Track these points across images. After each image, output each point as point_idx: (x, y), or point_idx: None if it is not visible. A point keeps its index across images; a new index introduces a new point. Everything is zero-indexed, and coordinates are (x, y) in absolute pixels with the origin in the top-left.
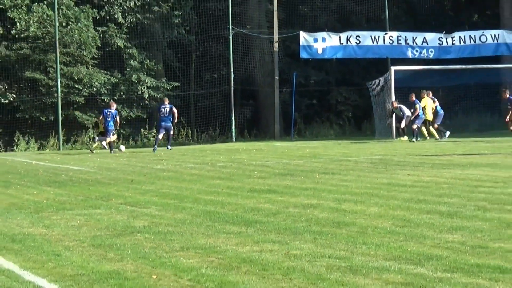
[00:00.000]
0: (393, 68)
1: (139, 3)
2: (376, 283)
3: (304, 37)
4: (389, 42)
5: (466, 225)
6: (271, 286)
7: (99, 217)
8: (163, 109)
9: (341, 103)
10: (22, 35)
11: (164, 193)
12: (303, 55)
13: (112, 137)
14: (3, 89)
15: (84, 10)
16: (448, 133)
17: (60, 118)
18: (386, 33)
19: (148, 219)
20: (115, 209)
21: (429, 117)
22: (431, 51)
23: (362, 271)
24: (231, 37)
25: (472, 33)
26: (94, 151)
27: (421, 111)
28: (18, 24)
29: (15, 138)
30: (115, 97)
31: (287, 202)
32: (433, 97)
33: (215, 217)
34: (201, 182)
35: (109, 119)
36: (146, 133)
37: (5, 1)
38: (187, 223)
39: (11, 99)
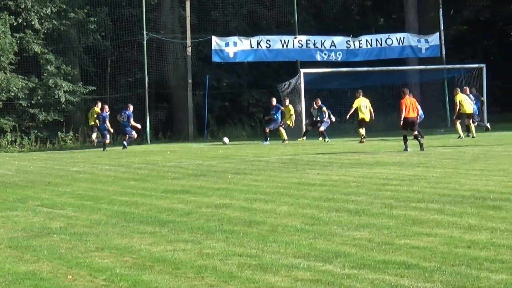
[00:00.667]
0: (302, 70)
1: (56, 10)
2: (286, 280)
3: (216, 41)
4: (298, 46)
5: (373, 223)
6: (184, 284)
7: (16, 219)
8: (124, 114)
9: (253, 105)
10: None
11: (80, 194)
12: (215, 59)
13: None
14: None
15: (1, 17)
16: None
17: None
18: (295, 37)
19: (64, 220)
20: (32, 211)
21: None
22: (339, 54)
23: (272, 269)
24: (145, 42)
25: (378, 36)
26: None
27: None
28: None
29: None
30: (32, 101)
31: (200, 202)
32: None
33: (129, 217)
34: (117, 184)
35: (101, 122)
36: (63, 136)
37: None
38: (103, 224)
39: None
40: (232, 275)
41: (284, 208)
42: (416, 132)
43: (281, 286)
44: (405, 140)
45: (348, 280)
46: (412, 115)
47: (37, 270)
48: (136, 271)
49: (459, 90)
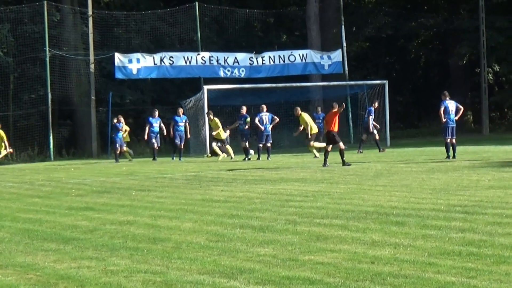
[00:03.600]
0: (205, 87)
1: None
2: None
3: (119, 58)
4: (202, 62)
5: (277, 239)
6: None
7: None
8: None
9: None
10: None
11: None
12: (118, 75)
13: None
14: None
15: None
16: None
17: None
18: (198, 54)
19: None
20: None
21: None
22: (242, 71)
23: (177, 285)
24: (48, 59)
25: (281, 53)
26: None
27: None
28: None
29: None
30: None
31: (104, 219)
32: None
33: (33, 235)
34: (20, 201)
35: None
36: None
37: None
38: (6, 242)
39: None
40: None
41: (188, 224)
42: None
43: None
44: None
45: None
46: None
47: None
48: None
49: (299, 109)
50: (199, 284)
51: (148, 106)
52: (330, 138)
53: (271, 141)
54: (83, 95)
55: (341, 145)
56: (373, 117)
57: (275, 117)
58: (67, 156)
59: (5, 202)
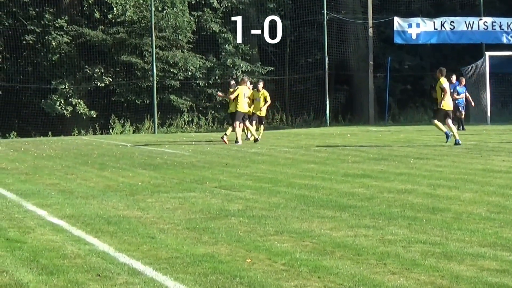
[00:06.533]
0: (487, 53)
1: None
2: (471, 270)
3: (399, 22)
4: (484, 28)
5: None
6: (366, 271)
7: (194, 200)
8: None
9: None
10: (119, 20)
11: (258, 177)
12: (397, 40)
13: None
14: (99, 73)
15: None
16: None
17: (156, 102)
18: (480, 19)
19: (243, 202)
20: (209, 193)
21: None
22: None
23: (457, 257)
24: (325, 22)
25: None
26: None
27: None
28: (114, 8)
29: (110, 121)
30: (210, 81)
31: (381, 187)
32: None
33: (309, 201)
34: (295, 166)
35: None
36: None
37: None
38: (281, 207)
39: (107, 82)
40: (415, 262)
41: (468, 195)
42: None
43: (466, 276)
44: None
45: None
46: None
47: (215, 252)
48: (316, 256)
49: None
50: (480, 256)
51: (427, 73)
52: None
53: None
54: (360, 60)
55: None
56: None
57: None
58: (343, 122)
59: (281, 167)
